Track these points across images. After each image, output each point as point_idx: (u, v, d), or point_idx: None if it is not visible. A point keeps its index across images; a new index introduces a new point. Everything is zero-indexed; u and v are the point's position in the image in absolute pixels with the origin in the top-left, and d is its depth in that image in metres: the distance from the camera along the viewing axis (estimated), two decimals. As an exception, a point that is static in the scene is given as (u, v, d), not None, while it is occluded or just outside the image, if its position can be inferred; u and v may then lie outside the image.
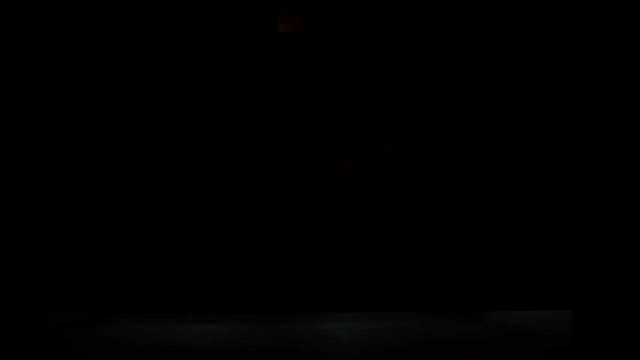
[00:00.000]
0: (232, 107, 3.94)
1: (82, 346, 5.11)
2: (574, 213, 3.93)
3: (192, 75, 3.94)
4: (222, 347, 5.12)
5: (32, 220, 3.50)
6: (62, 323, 5.53)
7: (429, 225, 3.94)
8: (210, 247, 3.66)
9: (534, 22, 4.01)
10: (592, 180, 3.98)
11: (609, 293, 4.21)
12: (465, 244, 3.90)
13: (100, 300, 3.56)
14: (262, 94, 3.93)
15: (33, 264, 3.42)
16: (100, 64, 3.85)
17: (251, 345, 5.21)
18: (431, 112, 4.03)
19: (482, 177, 3.96)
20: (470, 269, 3.86)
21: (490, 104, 4.05)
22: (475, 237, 3.92)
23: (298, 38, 3.90)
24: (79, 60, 3.85)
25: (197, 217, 3.75)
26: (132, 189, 3.77)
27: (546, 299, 4.43)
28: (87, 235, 3.60)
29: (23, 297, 3.37)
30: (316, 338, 5.37)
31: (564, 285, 4.38)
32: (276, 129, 3.92)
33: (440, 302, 3.87)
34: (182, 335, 5.44)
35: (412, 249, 3.94)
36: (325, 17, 3.83)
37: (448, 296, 3.79)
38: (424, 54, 4.09)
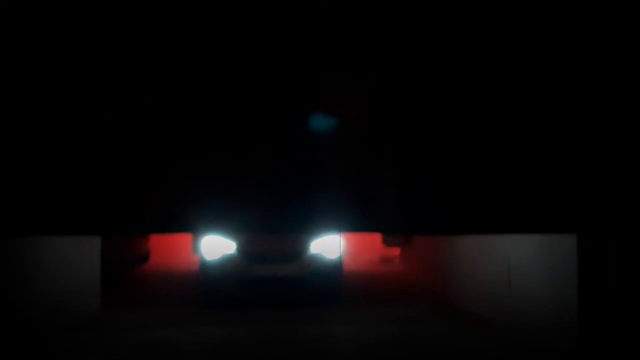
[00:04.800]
0: (231, 104, 3.91)
1: (82, 348, 5.06)
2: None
3: (192, 74, 3.94)
4: (221, 349, 5.07)
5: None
6: (62, 325, 5.48)
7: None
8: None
9: (534, 21, 3.99)
10: (592, 177, 3.96)
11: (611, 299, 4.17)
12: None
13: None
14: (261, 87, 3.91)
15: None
16: (98, 65, 3.85)
17: (251, 348, 5.16)
18: (431, 109, 4.01)
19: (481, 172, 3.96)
20: None
21: (490, 102, 4.03)
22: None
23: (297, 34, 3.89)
24: (79, 61, 3.84)
25: None
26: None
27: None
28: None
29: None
30: (316, 340, 5.32)
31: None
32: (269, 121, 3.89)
33: None
34: (182, 337, 5.39)
35: None
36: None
37: None
38: (424, 52, 4.07)
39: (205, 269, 7.12)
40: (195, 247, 8.94)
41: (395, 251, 10.42)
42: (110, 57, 3.79)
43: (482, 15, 3.92)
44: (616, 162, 3.85)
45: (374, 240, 10.40)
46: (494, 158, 3.96)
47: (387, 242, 10.06)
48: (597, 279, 4.14)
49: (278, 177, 3.97)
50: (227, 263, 6.91)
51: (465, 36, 3.93)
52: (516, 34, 3.97)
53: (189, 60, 3.78)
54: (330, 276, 7.07)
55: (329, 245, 7.11)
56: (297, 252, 6.94)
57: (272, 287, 6.88)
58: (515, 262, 5.41)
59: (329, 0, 3.86)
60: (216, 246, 7.03)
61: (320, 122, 3.88)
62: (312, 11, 3.83)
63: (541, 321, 4.93)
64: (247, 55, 3.82)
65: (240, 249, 6.93)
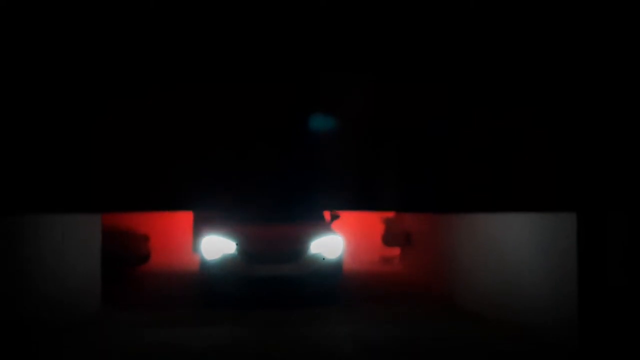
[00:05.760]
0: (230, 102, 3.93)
1: (83, 347, 5.06)
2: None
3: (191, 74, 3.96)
4: (222, 349, 5.06)
5: None
6: (62, 324, 5.48)
7: None
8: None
9: (534, 21, 4.01)
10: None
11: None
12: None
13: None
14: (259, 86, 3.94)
15: None
16: (99, 64, 3.88)
17: (252, 347, 5.16)
18: (431, 109, 4.02)
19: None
20: None
21: (490, 102, 4.05)
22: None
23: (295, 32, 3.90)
24: (80, 58, 3.87)
25: None
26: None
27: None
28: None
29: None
30: (317, 340, 5.32)
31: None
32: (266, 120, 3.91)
33: None
34: (182, 337, 5.39)
35: None
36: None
37: None
38: (424, 52, 4.07)
39: (205, 269, 7.11)
40: (195, 247, 8.95)
41: (395, 251, 10.43)
42: (110, 57, 3.80)
43: (482, 15, 3.92)
44: (611, 144, 3.94)
45: (374, 240, 10.40)
46: (494, 154, 4.01)
47: (387, 242, 10.06)
48: (597, 262, 4.18)
49: (278, 177, 3.97)
50: (227, 263, 6.90)
51: (465, 36, 3.94)
52: (516, 34, 3.97)
53: (189, 60, 3.79)
54: (330, 276, 7.05)
55: (329, 245, 7.10)
56: (297, 252, 6.93)
57: (273, 287, 6.86)
58: (515, 260, 5.41)
59: (329, 0, 3.86)
60: (216, 246, 7.03)
61: (320, 122, 3.88)
62: (312, 11, 3.84)
63: (541, 319, 4.93)
64: (247, 55, 3.82)
65: (241, 248, 6.93)
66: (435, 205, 4.05)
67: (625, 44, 3.97)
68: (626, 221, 4.04)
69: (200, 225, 8.36)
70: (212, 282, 7.03)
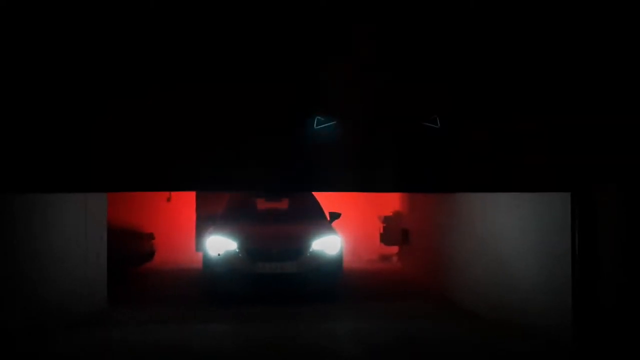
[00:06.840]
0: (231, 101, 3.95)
1: (89, 345, 5.08)
2: None
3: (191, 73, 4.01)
4: (223, 348, 5.09)
5: None
6: (69, 322, 5.50)
7: None
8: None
9: (534, 21, 4.03)
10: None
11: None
12: None
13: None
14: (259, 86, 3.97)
15: None
16: (99, 63, 3.92)
17: (252, 345, 5.18)
18: (431, 109, 4.05)
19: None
20: None
21: (490, 102, 4.08)
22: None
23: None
24: (81, 58, 3.91)
25: None
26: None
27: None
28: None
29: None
30: (317, 339, 5.34)
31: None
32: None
33: None
34: (187, 335, 5.42)
35: None
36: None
37: None
38: (425, 52, 4.09)
39: (209, 267, 7.15)
40: (198, 246, 8.97)
41: (394, 249, 10.44)
42: (110, 57, 3.82)
43: (483, 16, 3.93)
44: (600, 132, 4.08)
45: (374, 239, 10.42)
46: (493, 151, 4.06)
47: (385, 241, 10.08)
48: (590, 247, 4.33)
49: (278, 176, 3.99)
50: (230, 261, 6.94)
51: (466, 36, 3.95)
52: (516, 35, 3.98)
53: (189, 60, 3.81)
54: (330, 274, 7.08)
55: (329, 244, 7.13)
56: (299, 249, 6.97)
57: (274, 285, 6.91)
58: (513, 259, 5.43)
59: (329, 1, 3.88)
60: (219, 244, 7.06)
61: (320, 122, 3.90)
62: (312, 11, 3.86)
63: (540, 318, 4.94)
64: (247, 55, 3.84)
65: (243, 246, 6.96)
66: (432, 181, 4.22)
67: (621, 46, 3.99)
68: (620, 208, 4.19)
69: (204, 225, 8.38)
70: (215, 280, 7.07)
